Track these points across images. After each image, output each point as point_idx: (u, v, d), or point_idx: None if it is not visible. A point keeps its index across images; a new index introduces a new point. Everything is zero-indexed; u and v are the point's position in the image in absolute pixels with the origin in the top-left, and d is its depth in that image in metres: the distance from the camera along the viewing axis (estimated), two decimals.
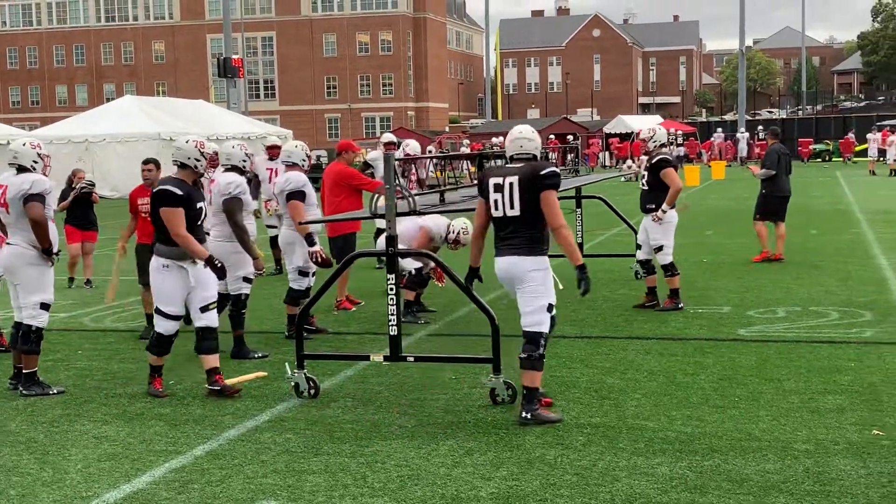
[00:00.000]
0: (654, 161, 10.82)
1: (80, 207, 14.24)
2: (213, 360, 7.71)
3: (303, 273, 9.92)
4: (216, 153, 10.28)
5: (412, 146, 14.09)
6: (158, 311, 7.65)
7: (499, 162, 13.11)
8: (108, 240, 17.54)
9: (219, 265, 7.56)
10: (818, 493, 5.24)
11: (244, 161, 9.35)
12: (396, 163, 11.41)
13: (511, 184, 6.69)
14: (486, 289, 12.38)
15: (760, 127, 56.28)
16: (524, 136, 6.90)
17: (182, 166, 7.73)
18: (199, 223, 7.69)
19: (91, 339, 10.09)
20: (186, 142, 7.76)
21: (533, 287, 6.76)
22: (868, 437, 6.18)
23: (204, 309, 7.68)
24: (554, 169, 6.80)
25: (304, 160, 10.15)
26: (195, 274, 7.63)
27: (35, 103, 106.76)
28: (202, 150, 7.73)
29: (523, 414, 6.67)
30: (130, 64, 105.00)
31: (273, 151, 14.48)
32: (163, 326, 7.66)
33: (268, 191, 14.17)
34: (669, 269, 10.87)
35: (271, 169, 14.40)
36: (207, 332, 7.70)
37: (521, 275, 6.75)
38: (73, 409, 7.48)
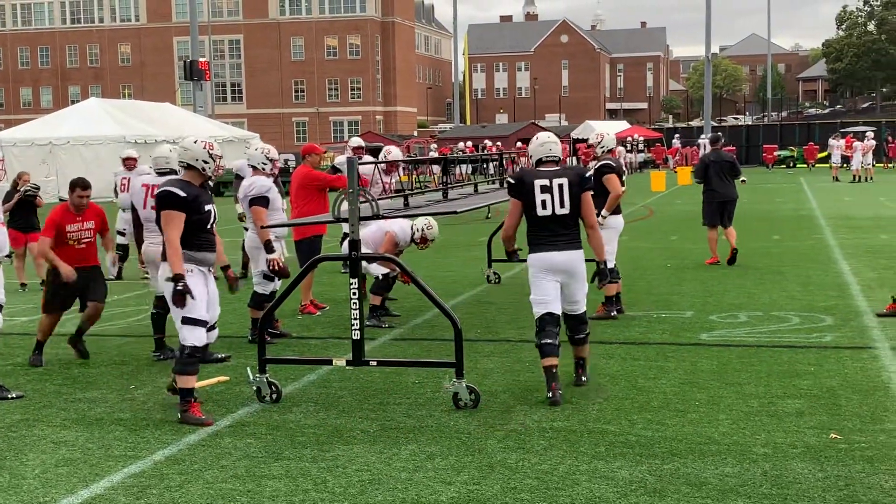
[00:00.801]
0: (597, 167, 10.69)
1: (24, 211, 14.11)
2: (183, 381, 7.20)
3: (268, 277, 9.88)
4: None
5: (395, 153, 14.04)
6: (188, 321, 7.01)
7: (467, 167, 13.05)
8: None
9: (181, 288, 6.89)
10: (776, 497, 5.28)
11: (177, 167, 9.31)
12: (382, 167, 11.41)
13: (560, 185, 7.40)
14: (449, 294, 12.43)
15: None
16: (552, 141, 7.69)
17: (188, 167, 7.28)
18: (210, 226, 7.25)
19: (51, 344, 9.96)
20: (195, 142, 7.32)
21: (584, 276, 7.61)
22: (826, 440, 6.24)
23: (210, 328, 7.32)
24: (591, 172, 7.70)
25: (264, 163, 10.07)
26: (212, 286, 7.33)
27: None
28: (211, 152, 7.27)
29: (583, 378, 7.75)
30: (96, 66, 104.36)
31: None
32: (195, 336, 7.03)
33: None
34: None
35: None
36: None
37: (578, 266, 7.51)
38: (32, 413, 7.40)
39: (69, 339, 9.42)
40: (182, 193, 7.03)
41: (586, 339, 7.72)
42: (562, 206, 7.37)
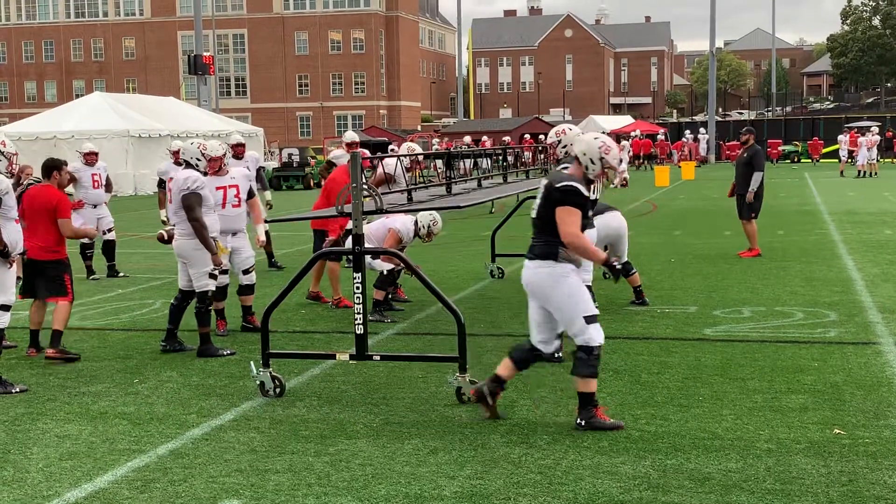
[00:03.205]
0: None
1: None
2: (590, 385, 6.57)
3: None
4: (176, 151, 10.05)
5: (418, 150, 14.11)
6: (592, 320, 6.53)
7: (469, 161, 13.10)
8: None
9: (615, 264, 6.60)
10: (779, 492, 5.27)
11: (198, 160, 9.28)
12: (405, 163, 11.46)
13: None
14: (452, 289, 12.43)
15: (701, 130, 57.56)
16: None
17: (576, 160, 6.62)
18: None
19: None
20: (595, 138, 6.61)
21: None
22: (829, 436, 6.23)
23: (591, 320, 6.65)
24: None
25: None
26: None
27: (3, 99, 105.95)
28: (603, 157, 6.53)
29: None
30: (100, 60, 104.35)
31: (238, 149, 14.43)
32: (601, 334, 6.57)
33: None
34: None
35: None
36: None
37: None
38: (36, 407, 7.41)
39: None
40: (587, 194, 6.53)
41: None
42: (597, 192, 8.03)
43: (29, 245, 9.03)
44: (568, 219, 6.42)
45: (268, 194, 15.29)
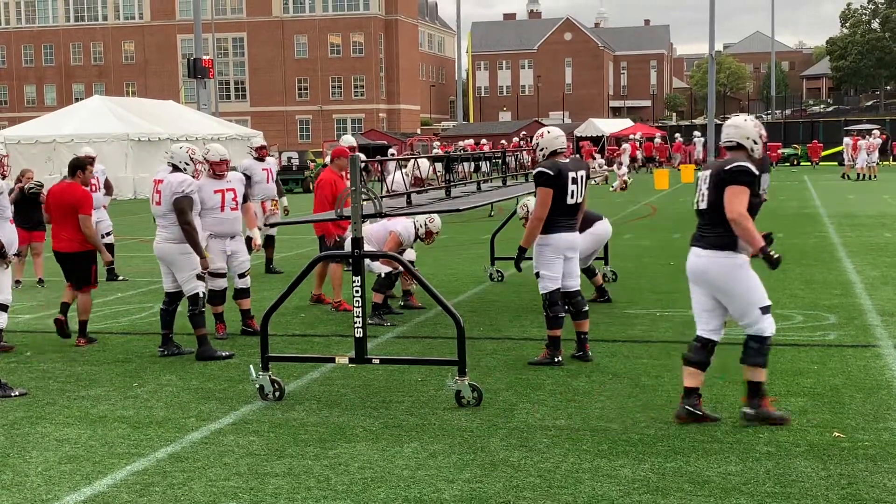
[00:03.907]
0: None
1: (27, 208, 13.97)
2: (759, 374, 6.64)
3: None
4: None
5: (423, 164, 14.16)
6: (766, 310, 6.54)
7: (468, 164, 13.07)
8: None
9: (776, 257, 6.40)
10: (779, 495, 5.27)
11: (186, 164, 9.27)
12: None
13: (582, 176, 8.41)
14: (451, 292, 12.42)
15: (695, 133, 57.64)
16: (563, 134, 8.51)
17: (737, 147, 6.58)
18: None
19: (55, 341, 9.99)
20: (745, 121, 6.71)
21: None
22: (829, 439, 6.23)
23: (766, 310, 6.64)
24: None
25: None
26: None
27: (3, 103, 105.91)
28: (761, 132, 6.61)
29: (589, 353, 8.65)
30: (100, 64, 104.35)
31: (262, 151, 14.48)
32: (773, 326, 6.59)
33: (264, 191, 14.22)
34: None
35: (267, 169, 14.46)
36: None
37: (579, 245, 8.80)
38: (35, 411, 7.41)
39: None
40: (756, 172, 6.49)
41: (587, 312, 8.60)
42: (580, 194, 8.32)
43: (60, 239, 9.71)
44: (737, 198, 6.40)
45: (284, 200, 15.37)
